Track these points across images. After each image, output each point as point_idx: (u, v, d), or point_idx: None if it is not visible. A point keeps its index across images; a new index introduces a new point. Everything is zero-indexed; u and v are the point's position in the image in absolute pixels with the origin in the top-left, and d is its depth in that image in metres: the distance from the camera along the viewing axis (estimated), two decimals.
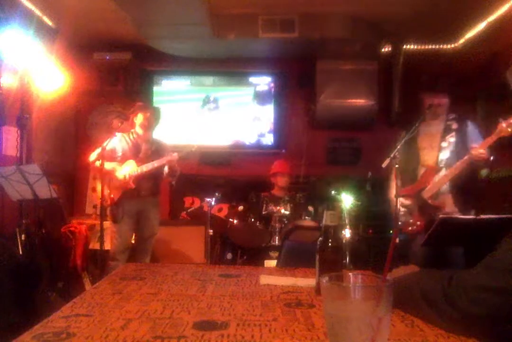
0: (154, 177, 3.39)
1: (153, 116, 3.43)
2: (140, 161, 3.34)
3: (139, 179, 3.30)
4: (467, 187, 2.65)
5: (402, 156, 2.88)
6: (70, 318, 0.97)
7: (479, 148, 2.52)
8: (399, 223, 2.77)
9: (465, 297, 0.84)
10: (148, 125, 3.40)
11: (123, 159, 3.34)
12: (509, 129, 2.44)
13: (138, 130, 3.42)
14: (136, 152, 3.39)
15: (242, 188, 4.58)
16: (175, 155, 3.32)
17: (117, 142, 3.38)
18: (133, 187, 3.28)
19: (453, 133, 2.73)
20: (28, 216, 3.49)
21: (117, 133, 3.43)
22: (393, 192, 2.84)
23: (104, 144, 3.24)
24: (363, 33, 4.27)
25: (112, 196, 3.23)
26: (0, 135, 3.56)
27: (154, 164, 3.29)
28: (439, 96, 2.79)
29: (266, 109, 5.07)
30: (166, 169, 3.41)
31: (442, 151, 2.73)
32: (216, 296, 1.18)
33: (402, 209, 2.76)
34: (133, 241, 3.52)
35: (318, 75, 4.59)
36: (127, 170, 3.29)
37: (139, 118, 3.40)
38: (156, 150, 3.44)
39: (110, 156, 3.31)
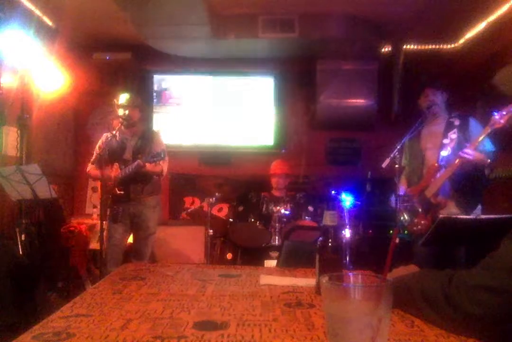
0: (141, 178, 3.23)
1: (134, 111, 3.27)
2: (125, 162, 3.22)
3: (125, 183, 3.18)
4: (467, 186, 2.63)
5: (406, 157, 2.88)
6: (70, 318, 0.97)
7: (467, 148, 2.49)
8: (405, 222, 2.75)
9: (465, 297, 0.84)
10: (128, 121, 3.24)
11: (112, 159, 3.22)
12: (502, 121, 2.40)
13: (121, 126, 3.27)
14: (122, 151, 3.27)
15: (242, 188, 4.58)
16: (139, 162, 3.12)
17: (106, 142, 3.26)
18: (118, 192, 3.18)
19: (455, 130, 2.68)
20: (28, 216, 3.49)
21: (104, 133, 3.36)
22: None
23: (97, 148, 3.25)
24: (363, 33, 4.27)
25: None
26: (0, 135, 3.56)
27: (129, 169, 3.14)
28: (431, 93, 2.78)
29: (266, 109, 5.07)
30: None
31: (443, 149, 2.70)
32: (216, 296, 1.18)
33: (406, 209, 2.75)
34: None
35: (318, 75, 4.59)
36: (111, 175, 3.19)
37: (119, 113, 3.25)
38: (142, 147, 3.29)
39: (100, 158, 3.18)
